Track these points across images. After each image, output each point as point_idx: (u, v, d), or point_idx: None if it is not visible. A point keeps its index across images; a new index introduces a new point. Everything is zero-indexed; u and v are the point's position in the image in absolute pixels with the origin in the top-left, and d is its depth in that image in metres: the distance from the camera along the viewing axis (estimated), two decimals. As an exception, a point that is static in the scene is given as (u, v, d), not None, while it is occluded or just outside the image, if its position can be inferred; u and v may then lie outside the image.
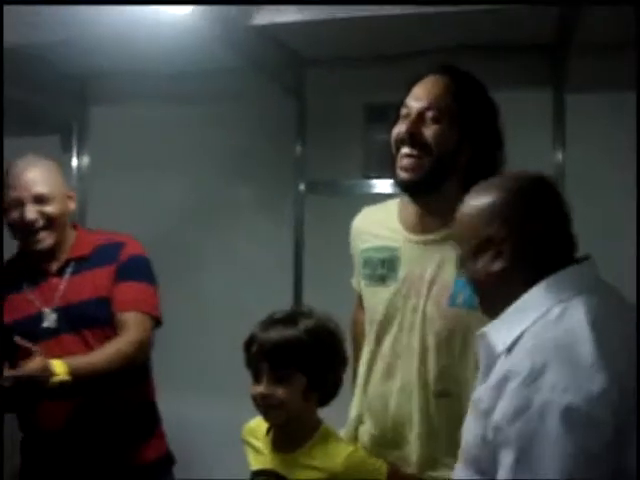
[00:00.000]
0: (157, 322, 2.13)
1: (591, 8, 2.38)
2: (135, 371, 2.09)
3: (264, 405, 1.65)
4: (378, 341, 1.76)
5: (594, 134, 2.95)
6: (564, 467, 1.10)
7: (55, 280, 2.10)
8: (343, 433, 1.82)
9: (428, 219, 1.71)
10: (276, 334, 1.64)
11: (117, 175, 3.33)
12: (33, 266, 2.13)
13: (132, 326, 2.03)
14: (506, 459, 1.15)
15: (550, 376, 1.13)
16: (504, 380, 1.17)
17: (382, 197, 3.18)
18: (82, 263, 2.12)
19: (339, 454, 1.64)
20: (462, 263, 1.38)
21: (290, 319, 1.68)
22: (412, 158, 1.64)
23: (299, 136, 3.26)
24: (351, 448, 1.68)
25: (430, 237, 1.71)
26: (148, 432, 2.17)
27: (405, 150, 1.65)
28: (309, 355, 1.64)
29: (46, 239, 2.07)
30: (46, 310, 2.07)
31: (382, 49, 3.05)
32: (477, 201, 1.31)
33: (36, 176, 2.07)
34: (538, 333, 1.20)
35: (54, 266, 2.12)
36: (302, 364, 1.63)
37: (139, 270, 2.13)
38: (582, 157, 2.95)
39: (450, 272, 1.63)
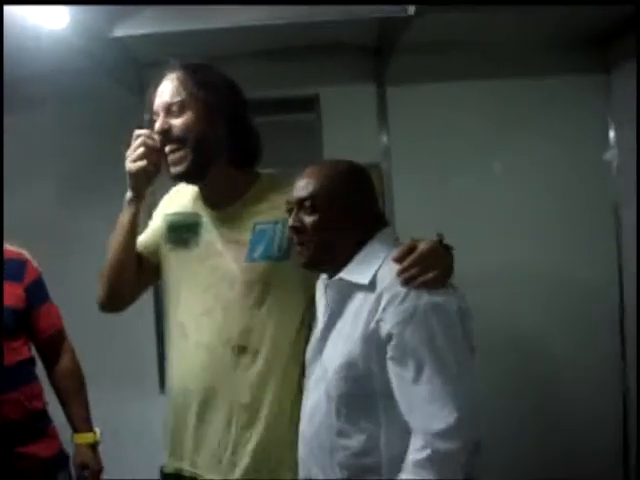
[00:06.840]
0: None
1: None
2: (20, 377, 2.19)
3: None
4: (177, 302, 1.87)
5: (414, 121, 3.30)
6: (458, 352, 1.49)
7: None
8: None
9: (216, 197, 1.85)
10: None
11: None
12: None
13: (67, 343, 2.34)
14: (409, 362, 1.48)
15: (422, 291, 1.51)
16: (382, 298, 1.52)
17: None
18: None
19: None
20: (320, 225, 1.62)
21: None
22: (173, 153, 1.75)
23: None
24: None
25: (223, 211, 1.85)
26: (38, 433, 2.24)
27: (165, 147, 1.76)
28: None
29: None
30: None
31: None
32: (316, 181, 1.63)
33: None
34: (393, 266, 1.55)
35: None
36: None
37: (45, 289, 2.28)
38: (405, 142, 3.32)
39: (245, 233, 1.79)
